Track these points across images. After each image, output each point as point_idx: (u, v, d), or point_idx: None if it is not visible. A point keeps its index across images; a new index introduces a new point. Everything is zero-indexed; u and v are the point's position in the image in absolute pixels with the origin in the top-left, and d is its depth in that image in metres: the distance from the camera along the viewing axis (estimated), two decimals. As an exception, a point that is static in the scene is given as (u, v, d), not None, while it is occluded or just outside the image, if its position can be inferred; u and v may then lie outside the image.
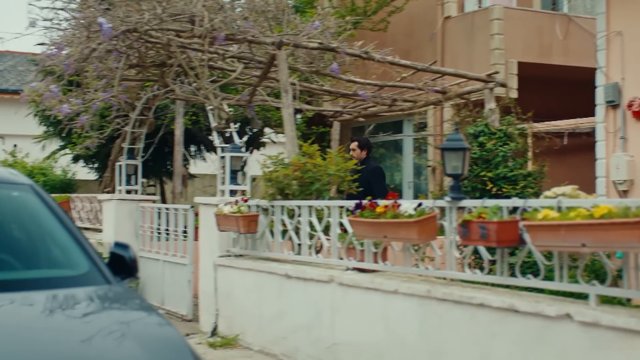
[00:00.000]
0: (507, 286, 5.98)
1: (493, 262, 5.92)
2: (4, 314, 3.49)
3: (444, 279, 6.62)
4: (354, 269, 7.29)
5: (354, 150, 10.37)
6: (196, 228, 10.31)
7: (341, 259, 7.45)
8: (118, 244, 4.32)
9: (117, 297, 3.84)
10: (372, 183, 9.80)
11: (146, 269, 11.46)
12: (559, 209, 5.08)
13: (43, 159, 24.01)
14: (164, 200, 20.14)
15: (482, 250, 5.99)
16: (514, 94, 14.44)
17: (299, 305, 7.78)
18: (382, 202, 6.49)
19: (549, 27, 16.37)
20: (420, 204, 6.21)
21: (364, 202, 6.67)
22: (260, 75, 10.54)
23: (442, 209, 6.34)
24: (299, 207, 8.03)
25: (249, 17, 10.28)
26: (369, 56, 10.32)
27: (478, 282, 6.22)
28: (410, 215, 6.13)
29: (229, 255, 9.23)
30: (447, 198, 6.26)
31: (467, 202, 6.14)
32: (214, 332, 9.20)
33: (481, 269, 6.17)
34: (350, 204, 7.01)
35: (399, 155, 18.63)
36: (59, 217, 4.28)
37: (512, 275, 5.73)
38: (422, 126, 17.11)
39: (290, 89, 9.57)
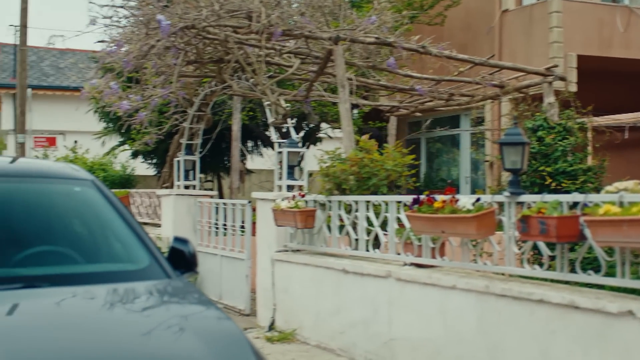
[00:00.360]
0: (567, 282, 5.91)
1: (552, 258, 5.85)
2: (67, 307, 3.55)
3: (503, 274, 6.56)
4: (412, 264, 7.26)
5: None
6: (254, 223, 10.35)
7: (398, 254, 7.43)
8: (178, 239, 4.35)
9: (176, 291, 3.87)
10: None
11: (204, 264, 11.55)
12: (621, 204, 5.00)
13: (103, 155, 24.34)
14: (221, 196, 20.27)
15: (542, 245, 5.92)
16: (574, 88, 14.24)
17: (356, 300, 7.78)
18: (440, 197, 6.45)
19: (609, 19, 16.12)
20: (478, 199, 6.17)
21: (422, 197, 6.64)
22: (317, 70, 10.54)
23: (501, 204, 6.29)
24: (356, 202, 8.03)
25: (305, 12, 10.29)
26: (426, 50, 10.27)
27: (537, 278, 6.16)
28: (469, 211, 6.08)
29: (287, 250, 9.26)
30: (506, 193, 6.20)
31: (526, 197, 6.08)
32: (271, 327, 9.24)
33: (540, 264, 6.10)
34: (408, 199, 6.98)
35: (455, 150, 18.52)
36: (119, 212, 4.33)
37: (572, 271, 5.65)
38: (479, 121, 16.98)
39: (347, 84, 9.57)
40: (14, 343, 2.91)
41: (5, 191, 4.58)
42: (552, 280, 6.04)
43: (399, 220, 7.43)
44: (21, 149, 24.37)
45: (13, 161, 5.37)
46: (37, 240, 4.26)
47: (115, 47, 10.54)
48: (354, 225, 8.13)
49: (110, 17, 10.46)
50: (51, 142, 35.30)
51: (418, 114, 13.98)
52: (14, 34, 36.19)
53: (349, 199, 8.16)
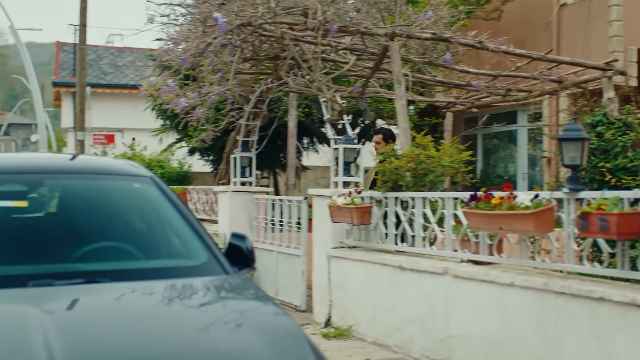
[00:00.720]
0: (627, 280, 5.82)
1: (612, 255, 5.77)
2: (126, 303, 3.59)
3: (561, 272, 6.49)
4: (469, 261, 7.22)
5: (378, 143, 10.14)
6: (310, 219, 10.38)
7: (455, 250, 7.39)
8: (235, 235, 4.38)
9: (234, 287, 3.90)
10: None
11: (260, 260, 11.60)
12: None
13: (160, 152, 24.59)
14: (277, 192, 20.36)
15: (602, 242, 5.84)
16: (634, 82, 13.97)
17: (412, 297, 7.76)
18: (497, 194, 6.40)
19: (671, 12, 15.80)
20: (537, 196, 6.10)
21: (479, 193, 6.59)
22: (373, 66, 10.52)
23: (559, 201, 6.21)
24: (413, 198, 8.00)
25: (361, 8, 10.27)
26: (483, 46, 10.18)
27: (596, 276, 6.07)
28: (527, 207, 6.02)
29: (343, 247, 9.26)
30: (565, 189, 6.13)
31: (585, 194, 5.99)
32: (327, 323, 9.25)
33: (600, 262, 6.02)
34: (465, 195, 6.94)
35: (512, 146, 18.32)
36: (178, 208, 4.37)
37: (633, 268, 5.56)
38: (537, 116, 16.77)
39: (403, 80, 9.53)
40: (74, 337, 2.95)
41: (66, 188, 4.66)
42: (612, 278, 5.95)
43: (455, 216, 7.38)
44: (80, 147, 24.73)
45: (73, 158, 5.44)
46: (98, 236, 4.32)
47: (172, 45, 10.63)
48: (410, 222, 8.11)
49: (168, 16, 10.55)
50: (110, 139, 35.80)
51: (474, 110, 13.85)
52: (74, 33, 36.77)
53: (405, 195, 8.14)
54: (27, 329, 2.97)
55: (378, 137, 10.23)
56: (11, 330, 3.00)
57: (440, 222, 7.66)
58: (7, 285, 3.59)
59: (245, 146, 13.00)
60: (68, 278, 3.71)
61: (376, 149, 10.04)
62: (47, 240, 4.27)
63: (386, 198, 8.45)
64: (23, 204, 4.64)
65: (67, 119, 38.69)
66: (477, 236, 6.99)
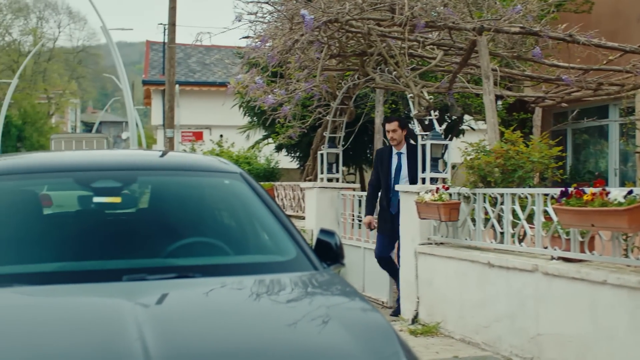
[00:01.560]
0: None
1: None
2: (217, 297, 3.64)
3: (656, 270, 6.33)
4: (559, 258, 7.10)
5: (394, 131, 9.94)
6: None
7: (545, 247, 7.28)
8: (324, 231, 4.39)
9: (323, 283, 3.91)
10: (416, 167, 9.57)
11: (347, 256, 11.53)
12: None
13: (247, 149, 24.83)
14: (363, 188, 20.35)
15: (699, 240, 5.68)
16: None
17: (501, 294, 7.67)
18: (589, 190, 6.27)
19: None
20: (630, 192, 5.96)
21: (570, 189, 6.48)
22: (461, 61, 10.43)
23: (654, 197, 6.06)
24: (502, 194, 7.91)
25: (449, 3, 10.18)
26: (573, 39, 9.99)
27: (694, 274, 5.91)
28: (620, 204, 5.89)
29: (430, 243, 9.22)
30: (660, 185, 5.97)
31: (681, 190, 5.84)
32: (414, 320, 9.22)
33: (697, 260, 5.85)
34: (555, 191, 6.82)
35: (603, 142, 17.94)
36: (267, 204, 4.40)
37: None
38: (629, 111, 16.37)
39: (491, 75, 9.43)
40: (167, 331, 3.01)
41: (158, 184, 4.74)
42: None
43: (545, 213, 7.27)
44: (170, 143, 25.16)
45: (163, 155, 5.54)
46: (189, 231, 4.39)
47: (259, 42, 10.72)
48: (499, 218, 8.02)
49: (255, 13, 10.65)
50: (198, 136, 36.34)
51: (564, 104, 13.59)
52: (163, 33, 37.39)
53: (494, 191, 8.05)
54: (122, 322, 3.04)
55: (394, 125, 10.01)
56: (107, 323, 3.08)
57: (530, 218, 7.55)
58: (102, 280, 3.67)
59: (332, 142, 13.03)
60: (161, 273, 3.77)
61: (392, 138, 9.96)
62: (139, 235, 4.35)
63: (474, 194, 8.37)
64: (117, 199, 4.75)
65: (156, 116, 39.43)
66: (567, 233, 6.87)
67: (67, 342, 2.94)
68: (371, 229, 10.36)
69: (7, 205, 4.39)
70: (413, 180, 9.73)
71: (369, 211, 10.31)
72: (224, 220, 4.66)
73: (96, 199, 4.68)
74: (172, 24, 24.64)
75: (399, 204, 9.69)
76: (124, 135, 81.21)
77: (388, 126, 9.96)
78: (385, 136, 11.64)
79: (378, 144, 16.12)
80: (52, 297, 3.55)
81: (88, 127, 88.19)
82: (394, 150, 10.02)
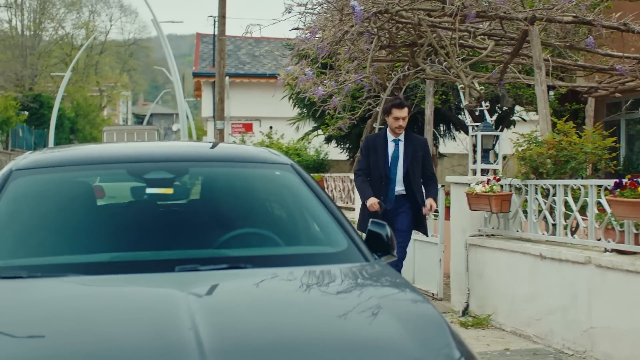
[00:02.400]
0: None
1: None
2: (268, 288, 3.65)
3: None
4: (613, 250, 7.01)
5: (405, 118, 8.52)
6: (446, 207, 10.30)
7: (598, 240, 7.19)
8: (375, 222, 4.38)
9: (374, 274, 3.90)
10: (424, 157, 8.65)
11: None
12: None
13: (297, 140, 24.91)
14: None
15: None
16: None
17: (553, 286, 7.59)
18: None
19: None
20: (686, 183, 5.87)
21: (624, 180, 6.39)
22: (512, 52, 10.33)
23: None
24: (554, 186, 7.83)
25: (500, -7, 10.09)
26: (628, 28, 9.83)
27: None
28: (676, 195, 5.80)
29: (481, 235, 9.16)
30: None
31: None
32: (465, 312, 9.17)
33: None
34: (609, 182, 6.74)
35: (658, 132, 17.68)
36: (318, 195, 4.40)
37: None
38: (685, 101, 16.11)
39: (543, 65, 9.32)
40: (219, 321, 3.03)
41: (209, 175, 4.77)
42: None
43: (599, 204, 7.18)
44: (220, 135, 25.32)
45: (214, 146, 5.57)
46: (240, 222, 4.41)
47: (309, 34, 10.73)
48: (551, 210, 7.94)
49: (305, 5, 10.66)
50: (247, 128, 36.53)
51: (618, 94, 13.40)
52: (213, 25, 37.63)
53: (546, 182, 7.97)
54: (175, 312, 3.06)
55: (406, 111, 8.58)
56: (160, 312, 3.10)
57: (583, 210, 7.47)
58: (155, 270, 3.71)
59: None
60: (213, 263, 3.80)
61: (401, 126, 8.46)
62: (191, 226, 4.38)
63: (526, 186, 8.30)
64: (169, 191, 4.79)
65: (206, 108, 39.72)
66: (621, 225, 6.77)
67: (121, 331, 2.98)
68: (380, 212, 8.22)
69: (62, 196, 4.45)
70: (411, 172, 8.54)
71: (369, 193, 8.38)
72: (274, 211, 4.68)
73: (149, 190, 4.72)
74: (222, 16, 24.77)
75: (397, 201, 8.55)
76: (174, 127, 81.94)
77: (400, 112, 8.46)
78: (436, 128, 11.51)
79: (428, 135, 16.07)
80: (107, 286, 3.59)
81: (139, 119, 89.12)
82: (390, 137, 8.57)
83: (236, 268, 3.77)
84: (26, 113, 53.59)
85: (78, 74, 65.86)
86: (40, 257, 3.93)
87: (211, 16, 41.46)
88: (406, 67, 11.93)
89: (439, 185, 10.66)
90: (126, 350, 2.81)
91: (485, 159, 9.40)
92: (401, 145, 8.57)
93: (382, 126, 12.91)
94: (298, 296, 3.54)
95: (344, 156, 23.06)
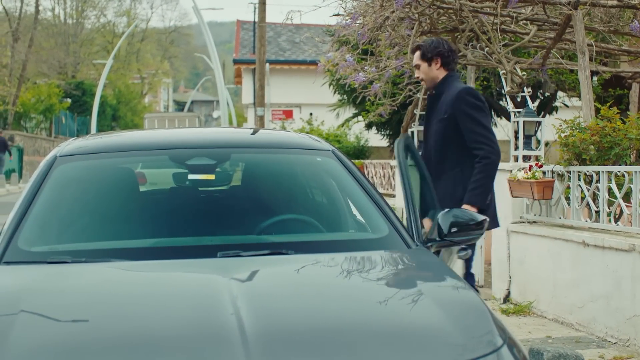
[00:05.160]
0: None
1: None
2: (310, 274, 3.66)
3: None
4: (657, 237, 6.93)
5: (417, 67, 6.31)
6: (488, 194, 10.23)
7: (643, 227, 7.11)
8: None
9: (416, 261, 3.89)
10: (457, 119, 6.01)
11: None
12: None
13: (337, 127, 24.91)
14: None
15: None
16: None
17: (596, 274, 7.53)
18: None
19: None
20: None
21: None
22: (555, 37, 10.22)
23: None
24: (597, 172, 7.75)
25: (542, -23, 9.98)
26: (674, 12, 9.69)
27: None
28: None
29: (523, 222, 9.10)
30: None
31: None
32: (506, 299, 9.13)
33: None
34: (654, 169, 6.65)
35: None
36: (359, 181, 4.40)
37: None
38: None
39: (587, 50, 9.21)
40: (261, 306, 3.04)
41: (250, 161, 4.79)
42: None
43: (643, 191, 7.10)
44: (260, 122, 25.40)
45: (255, 133, 5.58)
46: (281, 208, 4.42)
47: (350, 20, 10.70)
48: (594, 197, 7.86)
49: (346, -9, 10.63)
50: (288, 114, 36.61)
51: (663, 80, 13.22)
52: (253, 12, 37.69)
53: (589, 169, 7.89)
54: (218, 297, 3.08)
55: (415, 56, 6.32)
56: (203, 297, 3.13)
57: (626, 197, 7.38)
58: (197, 255, 3.74)
59: (423, 120, 12.93)
60: (254, 249, 3.82)
61: (417, 76, 6.39)
62: (232, 212, 4.41)
63: (568, 172, 8.22)
64: (210, 177, 4.82)
65: (247, 95, 39.85)
66: (666, 212, 6.69)
67: (163, 316, 3.01)
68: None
69: (106, 182, 4.50)
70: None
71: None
72: (316, 197, 4.69)
73: (191, 176, 4.76)
74: (262, 2, 24.80)
75: None
76: (215, 114, 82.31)
77: (415, 60, 6.36)
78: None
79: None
80: (149, 272, 3.62)
81: (180, 106, 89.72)
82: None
83: (278, 254, 3.78)
84: (69, 100, 54.27)
85: (120, 61, 66.42)
86: (85, 242, 3.98)
87: (251, 3, 41.50)
88: (447, 53, 11.83)
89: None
90: (168, 335, 2.83)
91: (527, 145, 9.33)
92: (443, 100, 6.20)
93: (424, 112, 12.86)
94: (339, 282, 3.54)
95: (384, 143, 22.99)
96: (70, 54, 63.12)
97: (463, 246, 4.29)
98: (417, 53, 6.23)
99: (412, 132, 13.00)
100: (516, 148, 9.42)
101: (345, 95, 21.60)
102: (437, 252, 4.22)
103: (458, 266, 5.57)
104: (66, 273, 3.57)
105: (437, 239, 4.11)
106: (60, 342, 2.83)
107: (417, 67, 6.26)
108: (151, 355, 2.73)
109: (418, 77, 6.35)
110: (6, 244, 3.78)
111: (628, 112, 10.32)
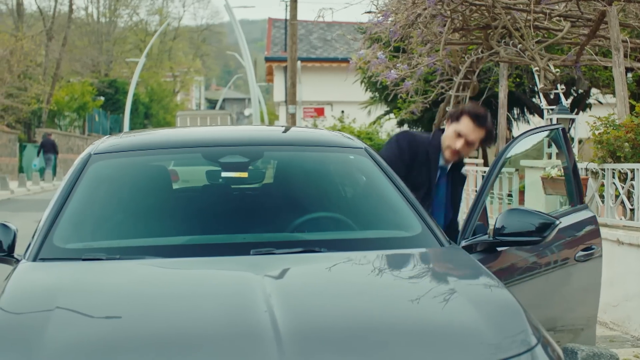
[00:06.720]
0: None
1: None
2: (342, 272, 3.66)
3: None
4: (693, 236, 6.85)
5: (471, 143, 5.30)
6: (520, 191, 10.18)
7: (678, 225, 7.04)
8: None
9: (449, 259, 3.87)
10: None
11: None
12: None
13: (369, 124, 24.86)
14: (486, 164, 20.10)
15: None
16: None
17: (631, 272, 7.45)
18: None
19: None
20: None
21: None
22: (589, 33, 10.13)
23: None
24: (632, 170, 7.67)
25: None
26: None
27: None
28: None
29: (556, 220, 9.03)
30: None
31: None
32: (539, 297, 9.06)
33: None
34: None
35: None
36: (392, 179, 4.38)
37: None
38: None
39: (622, 47, 9.13)
40: (294, 304, 3.05)
41: (283, 159, 4.79)
42: None
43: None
44: (292, 120, 25.43)
45: (287, 130, 5.58)
46: (314, 206, 4.41)
47: (382, 17, 10.68)
48: (629, 195, 7.78)
49: (378, -12, 10.62)
50: (319, 112, 36.62)
51: (699, 76, 13.09)
52: (285, 9, 37.73)
53: (624, 166, 7.82)
54: (251, 294, 3.09)
55: (483, 132, 5.33)
56: (236, 295, 3.14)
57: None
58: (230, 253, 3.74)
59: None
60: (287, 247, 3.81)
61: (458, 148, 5.32)
62: (265, 210, 4.41)
63: (603, 170, 8.15)
64: (243, 174, 4.82)
65: (278, 93, 39.91)
66: (703, 210, 6.62)
67: (197, 313, 3.02)
68: None
69: (140, 179, 4.52)
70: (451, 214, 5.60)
71: None
72: (348, 195, 4.67)
73: (224, 174, 4.76)
74: (294, 0, 24.82)
75: None
76: (246, 112, 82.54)
77: (475, 133, 5.25)
78: (509, 111, 11.30)
79: (502, 119, 15.90)
80: (183, 269, 3.64)
81: (212, 104, 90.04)
82: (441, 159, 5.35)
83: (310, 252, 3.78)
84: (102, 98, 54.66)
85: (152, 59, 66.77)
86: (119, 239, 4.00)
87: (283, 1, 41.57)
88: (479, 50, 11.79)
89: (513, 170, 10.55)
90: (202, 333, 2.85)
91: (560, 142, 9.25)
92: (446, 176, 5.46)
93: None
94: (372, 280, 3.54)
95: (416, 140, 22.93)
96: (103, 53, 63.55)
97: None
98: (482, 133, 5.23)
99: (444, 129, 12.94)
100: (549, 145, 9.36)
101: (376, 93, 21.55)
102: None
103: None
104: (100, 270, 3.60)
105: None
106: (94, 339, 2.85)
107: (471, 144, 5.25)
108: (184, 352, 2.74)
109: (458, 149, 5.23)
110: (42, 240, 3.81)
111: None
